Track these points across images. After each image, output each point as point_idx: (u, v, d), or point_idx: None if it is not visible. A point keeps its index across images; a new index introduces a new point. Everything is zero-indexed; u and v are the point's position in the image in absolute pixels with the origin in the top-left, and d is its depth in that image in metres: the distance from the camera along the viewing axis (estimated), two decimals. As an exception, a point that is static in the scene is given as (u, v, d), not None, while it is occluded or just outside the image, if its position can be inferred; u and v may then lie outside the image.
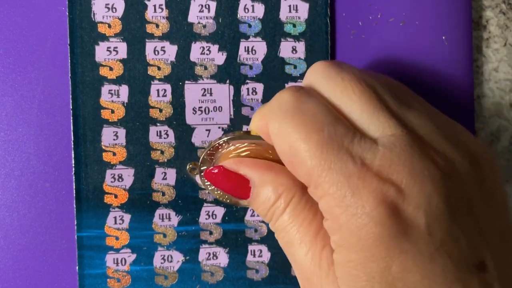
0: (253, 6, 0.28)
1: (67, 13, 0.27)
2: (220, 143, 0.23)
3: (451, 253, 0.18)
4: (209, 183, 0.24)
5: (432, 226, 0.18)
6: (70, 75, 0.27)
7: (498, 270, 0.19)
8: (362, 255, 0.19)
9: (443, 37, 0.29)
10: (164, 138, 0.28)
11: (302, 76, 0.28)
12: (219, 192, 0.24)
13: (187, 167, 0.25)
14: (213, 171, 0.23)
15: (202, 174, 0.24)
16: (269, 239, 0.28)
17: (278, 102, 0.21)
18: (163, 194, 0.28)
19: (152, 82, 0.28)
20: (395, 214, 0.18)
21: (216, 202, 0.28)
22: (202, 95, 0.28)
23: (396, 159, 0.19)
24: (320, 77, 0.22)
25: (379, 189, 0.18)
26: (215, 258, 0.28)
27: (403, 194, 0.18)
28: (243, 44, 0.28)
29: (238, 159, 0.23)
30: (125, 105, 0.28)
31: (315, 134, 0.19)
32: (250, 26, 0.28)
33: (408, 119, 0.20)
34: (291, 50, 0.28)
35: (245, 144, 0.23)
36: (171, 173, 0.28)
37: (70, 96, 0.27)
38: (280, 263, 0.28)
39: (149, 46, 0.28)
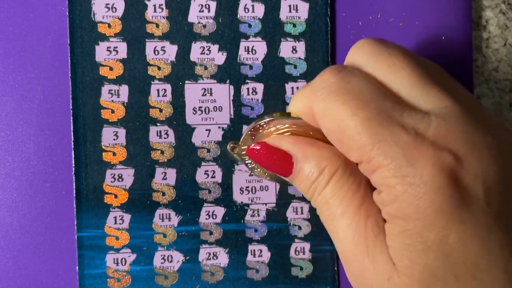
0: (253, 6, 0.28)
1: (67, 13, 0.27)
2: (261, 124, 0.23)
3: (508, 227, 0.18)
4: (250, 161, 0.24)
5: (490, 196, 0.18)
6: (70, 75, 0.27)
7: None
8: (419, 225, 0.18)
9: (443, 37, 0.29)
10: (164, 138, 0.28)
11: (302, 76, 0.28)
12: (259, 170, 0.24)
13: (228, 146, 0.25)
14: (255, 148, 0.23)
15: (243, 153, 0.24)
16: (269, 239, 0.28)
17: (321, 82, 0.21)
18: (163, 194, 0.28)
19: (152, 82, 0.28)
20: (455, 182, 0.18)
21: (216, 202, 0.28)
22: (202, 95, 0.28)
23: (452, 128, 0.18)
24: (366, 53, 0.21)
25: (437, 157, 0.18)
26: (215, 258, 0.28)
27: (462, 163, 0.18)
28: (243, 44, 0.28)
29: (281, 136, 0.23)
30: (125, 105, 0.28)
31: (362, 110, 0.19)
32: (250, 26, 0.28)
33: (457, 93, 0.20)
34: (291, 50, 0.28)
35: (286, 125, 0.23)
36: (171, 173, 0.28)
37: (70, 96, 0.27)
38: (280, 263, 0.28)
39: (149, 46, 0.28)
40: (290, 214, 0.29)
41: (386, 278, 0.19)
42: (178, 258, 0.28)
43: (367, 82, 0.20)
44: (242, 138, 0.24)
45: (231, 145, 0.25)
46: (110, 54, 0.27)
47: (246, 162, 0.25)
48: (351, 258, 0.21)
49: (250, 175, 0.28)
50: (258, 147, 0.23)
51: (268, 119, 0.23)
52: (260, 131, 0.23)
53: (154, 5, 0.28)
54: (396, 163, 0.18)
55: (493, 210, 0.18)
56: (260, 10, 0.28)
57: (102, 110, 0.27)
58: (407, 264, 0.19)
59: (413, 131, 0.19)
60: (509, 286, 0.18)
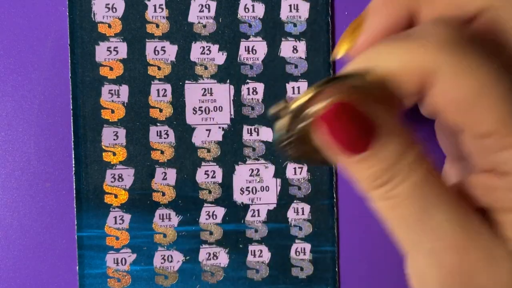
0: (253, 5, 0.28)
1: (67, 13, 0.27)
2: (324, 87, 0.16)
3: None
4: (295, 132, 0.17)
5: None
6: (70, 75, 0.27)
7: None
8: None
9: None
10: (164, 138, 0.28)
11: (303, 75, 0.28)
12: (299, 146, 0.18)
13: (278, 107, 0.17)
14: (335, 107, 0.16)
15: (293, 121, 0.17)
16: (269, 239, 0.28)
17: (438, 32, 0.16)
18: (163, 194, 0.28)
19: (152, 82, 0.28)
20: None
21: (217, 202, 0.28)
22: (202, 95, 0.28)
23: None
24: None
25: None
26: (215, 258, 0.28)
27: None
28: (243, 44, 0.28)
29: (365, 100, 0.17)
30: (125, 105, 0.28)
31: (507, 75, 0.16)
32: (250, 26, 0.28)
33: None
34: (292, 50, 0.28)
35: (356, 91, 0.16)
36: (171, 173, 0.28)
37: (70, 96, 0.27)
38: (280, 263, 0.28)
39: (149, 46, 0.28)
40: (290, 214, 0.28)
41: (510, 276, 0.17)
42: (178, 258, 0.28)
43: (499, 50, 0.17)
44: (297, 104, 0.17)
45: (282, 106, 0.17)
46: (110, 54, 0.27)
47: (295, 131, 0.17)
48: (451, 255, 0.17)
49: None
50: (338, 107, 0.16)
51: (332, 83, 0.16)
52: (318, 98, 0.16)
53: (154, 5, 0.28)
54: None
55: None
56: (260, 10, 0.28)
57: (102, 110, 0.27)
58: None
59: None
60: None
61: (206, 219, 0.28)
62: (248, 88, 0.28)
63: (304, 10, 0.28)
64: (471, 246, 0.17)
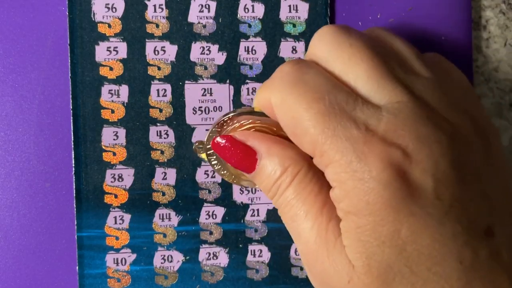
0: (253, 6, 0.28)
1: (67, 13, 0.27)
2: (225, 120, 0.23)
3: (460, 218, 0.18)
4: (214, 161, 0.24)
5: (439, 190, 0.18)
6: (70, 75, 0.27)
7: (505, 237, 0.19)
8: (371, 220, 0.18)
9: (443, 37, 0.29)
10: (164, 138, 0.28)
11: (302, 76, 0.28)
12: (225, 172, 0.25)
13: (194, 145, 0.25)
14: (220, 141, 0.23)
15: (209, 152, 0.24)
16: (269, 239, 0.28)
17: (279, 75, 0.21)
18: (163, 194, 0.28)
19: (152, 82, 0.28)
20: (402, 177, 0.18)
21: (216, 202, 0.28)
22: (202, 95, 0.28)
23: (402, 125, 0.19)
24: (327, 41, 0.21)
25: (385, 153, 0.18)
26: (215, 258, 0.28)
27: (410, 158, 0.18)
28: (243, 44, 0.28)
29: (246, 131, 0.23)
30: (125, 105, 0.28)
31: (316, 103, 0.19)
32: (250, 26, 0.28)
33: (415, 86, 0.20)
34: (291, 50, 0.28)
35: (250, 121, 0.23)
36: (171, 173, 0.28)
37: (70, 96, 0.27)
38: (280, 263, 0.28)
39: (149, 46, 0.28)
40: (290, 214, 0.29)
41: (347, 280, 0.19)
42: (178, 258, 0.28)
43: (323, 74, 0.20)
44: (206, 136, 0.24)
45: (197, 144, 0.25)
46: (110, 54, 0.27)
47: (212, 162, 0.25)
48: (313, 260, 0.21)
49: (213, 176, 0.28)
50: (223, 141, 0.23)
51: (232, 115, 0.23)
52: (225, 127, 0.24)
53: (154, 5, 0.28)
54: (347, 159, 0.19)
55: (443, 203, 0.18)
56: (260, 10, 0.28)
57: (102, 110, 0.27)
58: (364, 262, 0.19)
59: (364, 126, 0.19)
60: (463, 275, 0.18)
61: (206, 218, 0.28)
62: (248, 88, 0.28)
63: (304, 11, 0.28)
64: (323, 254, 0.20)
